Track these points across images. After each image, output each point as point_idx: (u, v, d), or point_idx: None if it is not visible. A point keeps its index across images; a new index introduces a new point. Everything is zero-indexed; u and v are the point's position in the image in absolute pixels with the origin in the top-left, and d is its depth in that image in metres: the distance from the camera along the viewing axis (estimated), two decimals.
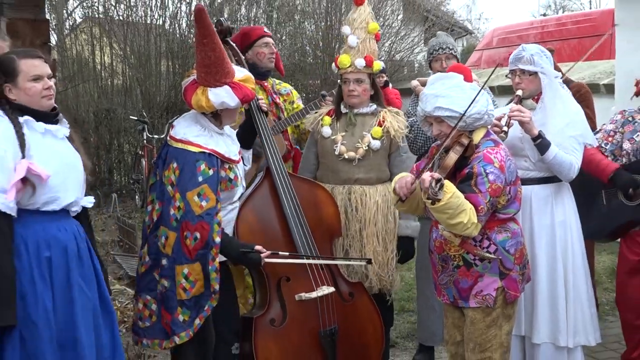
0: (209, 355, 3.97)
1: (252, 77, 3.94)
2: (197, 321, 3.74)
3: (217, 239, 3.74)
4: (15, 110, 3.20)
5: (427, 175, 3.27)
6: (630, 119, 4.46)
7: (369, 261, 4.29)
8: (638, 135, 4.38)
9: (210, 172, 3.79)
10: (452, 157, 3.49)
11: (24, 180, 3.08)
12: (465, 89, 3.56)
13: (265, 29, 5.04)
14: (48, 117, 3.28)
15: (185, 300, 3.72)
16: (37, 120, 3.23)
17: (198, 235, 3.71)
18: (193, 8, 12.55)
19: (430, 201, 3.28)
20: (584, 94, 5.84)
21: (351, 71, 4.36)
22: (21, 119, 3.19)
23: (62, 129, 3.35)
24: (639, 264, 4.41)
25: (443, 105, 3.49)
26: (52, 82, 3.30)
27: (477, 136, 3.59)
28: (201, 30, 3.77)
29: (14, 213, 3.07)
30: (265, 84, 4.93)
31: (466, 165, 3.52)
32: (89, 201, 3.47)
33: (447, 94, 3.51)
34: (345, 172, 4.40)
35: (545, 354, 4.16)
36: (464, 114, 3.43)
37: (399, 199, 3.62)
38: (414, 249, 4.52)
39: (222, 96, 3.75)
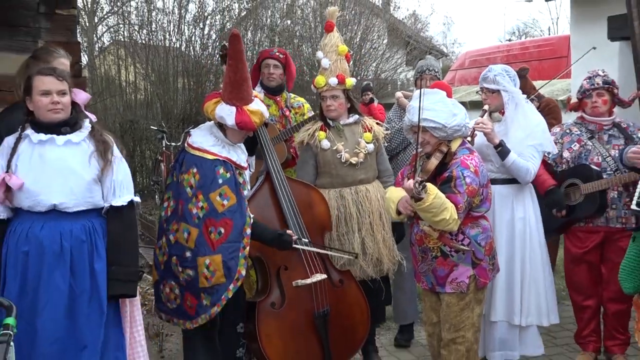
0: (215, 334, 3.96)
1: (263, 114, 3.87)
2: (215, 308, 3.70)
3: (249, 231, 3.75)
4: (33, 123, 3.18)
5: (409, 182, 3.31)
6: (567, 131, 4.53)
7: (356, 256, 4.29)
8: (575, 144, 4.45)
9: (228, 175, 3.78)
10: (433, 162, 3.52)
11: (7, 188, 3.07)
12: (448, 103, 3.60)
13: (273, 52, 4.94)
14: (50, 128, 3.18)
15: (207, 288, 3.70)
16: (39, 131, 3.16)
17: (222, 230, 3.70)
18: (206, 32, 12.63)
19: (416, 203, 3.30)
20: (552, 108, 5.95)
21: (327, 89, 4.35)
22: (27, 132, 3.16)
23: (70, 136, 3.21)
24: (581, 255, 4.48)
25: (428, 117, 3.50)
26: (62, 99, 3.17)
27: (455, 145, 3.62)
28: (230, 53, 3.78)
29: (0, 216, 3.14)
30: (278, 98, 4.90)
31: (446, 169, 3.53)
32: (121, 200, 3.31)
33: (432, 107, 3.53)
34: (350, 176, 4.38)
35: (500, 330, 4.22)
36: (419, 121, 3.45)
37: (400, 213, 3.71)
38: (403, 231, 4.49)
39: (224, 112, 3.75)
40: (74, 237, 3.18)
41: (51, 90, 3.14)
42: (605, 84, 4.41)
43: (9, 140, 3.19)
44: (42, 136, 3.15)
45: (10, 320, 2.46)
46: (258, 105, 3.85)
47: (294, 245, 3.96)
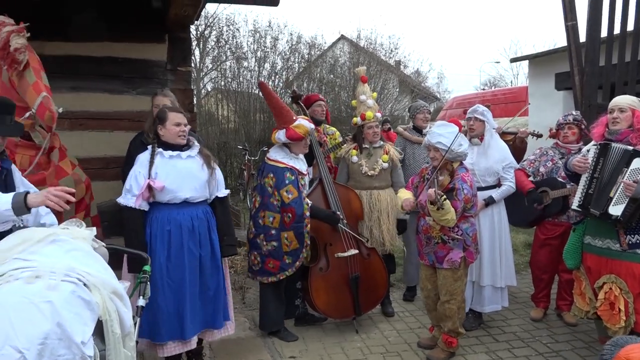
0: (282, 288, 3.96)
1: (305, 126, 3.81)
2: (297, 263, 3.78)
3: (307, 213, 3.76)
4: (160, 143, 3.15)
5: (432, 192, 3.22)
6: (545, 152, 4.36)
7: (367, 240, 4.20)
8: (549, 162, 4.29)
9: (292, 177, 3.79)
10: (447, 179, 3.43)
11: (150, 189, 3.04)
12: (458, 136, 3.47)
13: (320, 96, 4.96)
14: (175, 147, 3.14)
15: (289, 251, 3.75)
16: (167, 149, 3.13)
17: (290, 215, 3.72)
18: (276, 83, 12.69)
19: (434, 207, 3.23)
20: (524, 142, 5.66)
21: (374, 121, 4.32)
22: (158, 150, 3.12)
23: (188, 152, 3.18)
24: (545, 240, 4.32)
25: (442, 141, 3.43)
26: (186, 128, 3.17)
27: (455, 164, 3.52)
28: (264, 96, 3.90)
29: (144, 208, 3.07)
30: (319, 128, 4.84)
31: (450, 182, 3.44)
32: (223, 193, 3.32)
33: (446, 135, 3.45)
34: (367, 183, 4.32)
35: (488, 291, 4.09)
36: (449, 147, 3.40)
37: (405, 212, 3.67)
38: (405, 226, 4.43)
39: (279, 135, 3.81)
40: (199, 218, 3.17)
41: (181, 122, 3.14)
42: (575, 121, 4.26)
43: (145, 155, 3.13)
44: (171, 152, 3.14)
45: (147, 267, 2.53)
46: (300, 121, 3.84)
47: (338, 224, 3.93)
